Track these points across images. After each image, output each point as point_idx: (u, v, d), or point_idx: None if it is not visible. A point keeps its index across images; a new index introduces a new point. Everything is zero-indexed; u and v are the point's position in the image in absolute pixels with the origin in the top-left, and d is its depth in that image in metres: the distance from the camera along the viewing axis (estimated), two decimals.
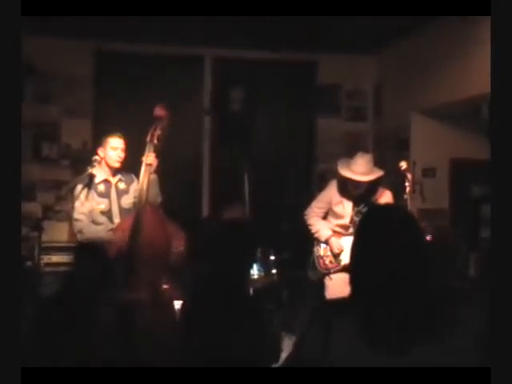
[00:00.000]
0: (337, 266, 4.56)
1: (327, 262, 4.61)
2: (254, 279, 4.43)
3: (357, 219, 4.43)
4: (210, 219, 5.75)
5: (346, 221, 4.56)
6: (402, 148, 6.03)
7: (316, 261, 4.67)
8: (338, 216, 4.61)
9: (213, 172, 6.64)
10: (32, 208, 5.87)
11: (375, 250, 1.64)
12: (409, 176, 4.51)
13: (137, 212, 3.94)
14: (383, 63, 6.63)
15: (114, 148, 4.28)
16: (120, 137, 4.32)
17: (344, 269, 4.45)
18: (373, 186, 4.48)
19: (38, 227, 3.93)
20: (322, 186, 6.65)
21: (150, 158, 4.04)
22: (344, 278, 4.42)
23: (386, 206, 1.92)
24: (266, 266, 4.72)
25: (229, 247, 2.96)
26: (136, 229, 3.86)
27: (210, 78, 6.67)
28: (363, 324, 1.61)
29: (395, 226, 1.66)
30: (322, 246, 4.65)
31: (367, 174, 4.39)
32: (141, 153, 4.13)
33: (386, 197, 4.52)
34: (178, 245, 3.98)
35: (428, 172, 5.83)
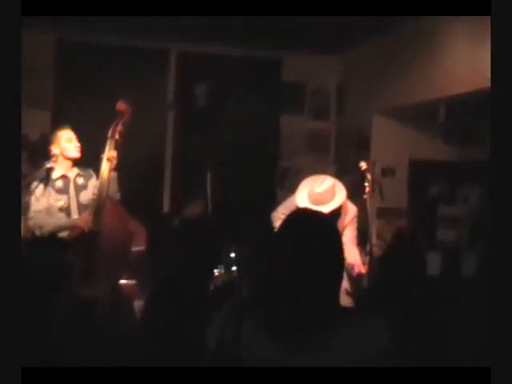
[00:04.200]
0: None
1: None
2: (214, 276, 4.43)
3: None
4: (172, 215, 5.75)
5: None
6: (363, 147, 6.13)
7: None
8: None
9: (175, 167, 6.64)
10: None
11: (289, 254, 1.70)
12: (368, 176, 4.57)
13: (96, 208, 3.89)
14: (347, 63, 6.71)
15: (68, 140, 4.23)
16: (70, 129, 4.27)
17: None
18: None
19: None
20: (283, 183, 6.75)
21: (110, 155, 3.97)
22: None
23: (310, 213, 1.97)
24: (226, 263, 4.73)
25: (190, 244, 2.98)
26: (95, 225, 3.81)
27: (175, 72, 6.65)
28: (271, 320, 1.66)
29: (310, 234, 1.72)
30: None
31: (325, 203, 4.20)
32: (101, 147, 4.05)
33: (350, 214, 4.40)
34: (139, 241, 3.96)
35: (387, 172, 5.95)
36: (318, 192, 4.23)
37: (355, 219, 4.42)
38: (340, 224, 4.35)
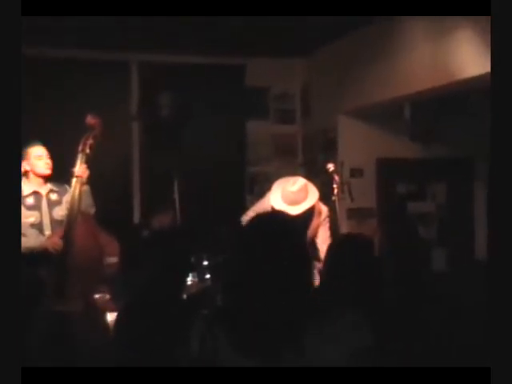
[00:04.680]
0: None
1: None
2: (187, 285, 4.41)
3: None
4: (142, 227, 5.70)
5: None
6: (330, 149, 6.16)
7: None
8: None
9: (143, 179, 6.58)
10: None
11: (255, 261, 1.68)
12: (336, 177, 4.59)
13: (68, 223, 3.88)
14: (310, 66, 6.74)
15: (38, 157, 4.20)
16: (41, 145, 4.25)
17: None
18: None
19: None
20: (252, 189, 6.75)
21: (81, 169, 3.98)
22: None
23: (270, 215, 1.94)
24: (199, 272, 4.71)
25: (161, 255, 2.95)
26: (68, 240, 3.81)
27: (137, 83, 6.61)
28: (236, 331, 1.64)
29: (274, 238, 1.69)
30: None
31: (299, 202, 4.26)
32: (66, 161, 4.05)
33: (322, 214, 4.47)
34: (112, 255, 3.95)
35: (355, 172, 5.98)
36: (292, 191, 4.24)
37: (327, 219, 4.45)
38: (313, 224, 4.38)
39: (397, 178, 6.21)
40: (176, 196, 4.82)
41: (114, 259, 3.99)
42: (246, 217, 4.64)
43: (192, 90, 6.64)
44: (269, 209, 4.38)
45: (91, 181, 4.15)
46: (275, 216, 1.88)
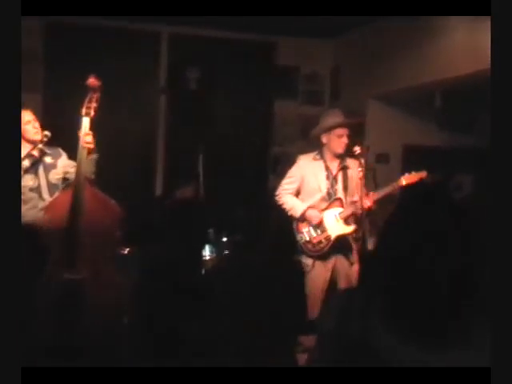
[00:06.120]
0: (326, 245, 4.40)
1: (315, 243, 4.42)
2: (205, 260, 4.41)
3: (332, 188, 4.50)
4: (163, 198, 5.70)
5: (323, 193, 4.49)
6: (357, 133, 6.07)
7: (303, 248, 4.43)
8: (311, 192, 4.50)
9: (168, 151, 6.58)
10: None
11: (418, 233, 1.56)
12: (362, 161, 4.51)
13: (75, 189, 3.67)
14: (341, 48, 6.65)
15: (27, 122, 4.06)
16: (27, 110, 4.10)
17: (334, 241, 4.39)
18: (345, 156, 4.51)
19: None
20: (276, 169, 6.71)
21: (88, 137, 3.72)
22: (325, 266, 4.37)
23: (432, 187, 1.80)
24: (218, 248, 4.70)
25: (180, 226, 2.95)
26: (75, 206, 3.62)
27: (167, 55, 6.58)
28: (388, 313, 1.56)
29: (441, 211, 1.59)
30: (305, 231, 4.46)
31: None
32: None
33: (356, 164, 4.52)
34: (118, 221, 3.75)
35: (381, 157, 5.91)
36: (335, 113, 4.52)
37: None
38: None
39: (422, 166, 6.12)
40: (200, 170, 4.79)
41: (121, 226, 3.77)
42: (280, 188, 4.63)
43: (221, 65, 6.60)
44: (304, 172, 4.54)
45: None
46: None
